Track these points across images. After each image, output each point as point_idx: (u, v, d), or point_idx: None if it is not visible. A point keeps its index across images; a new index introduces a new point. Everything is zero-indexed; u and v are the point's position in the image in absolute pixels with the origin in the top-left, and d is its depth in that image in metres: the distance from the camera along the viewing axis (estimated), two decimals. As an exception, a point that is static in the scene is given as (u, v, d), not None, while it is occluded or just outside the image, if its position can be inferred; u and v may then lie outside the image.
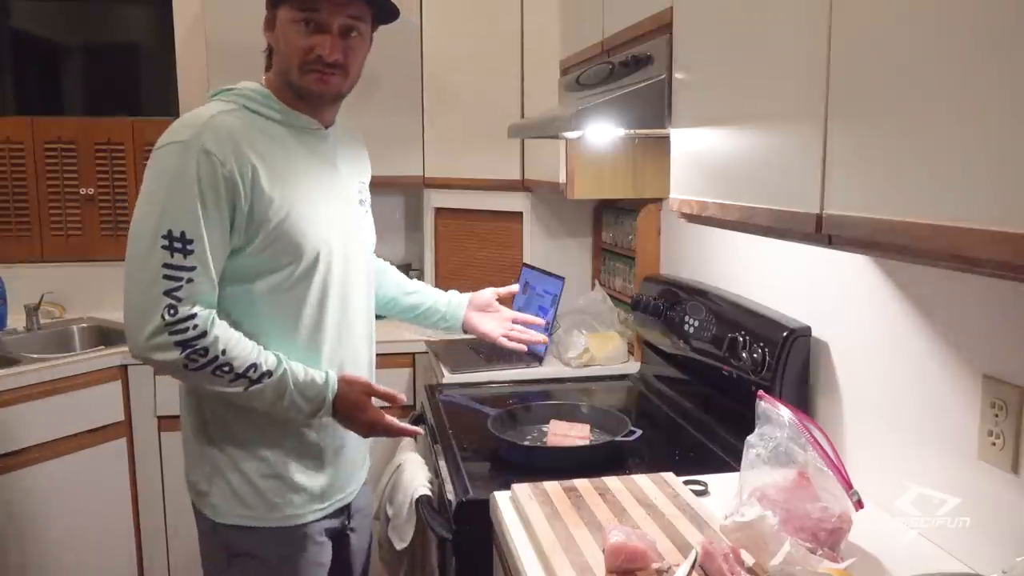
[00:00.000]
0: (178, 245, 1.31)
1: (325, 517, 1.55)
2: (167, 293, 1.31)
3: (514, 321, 1.92)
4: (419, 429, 1.59)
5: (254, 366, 1.37)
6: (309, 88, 1.45)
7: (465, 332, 1.92)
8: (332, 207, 1.51)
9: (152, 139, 3.38)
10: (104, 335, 2.98)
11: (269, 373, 1.38)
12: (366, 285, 1.62)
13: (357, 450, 1.63)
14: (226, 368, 1.35)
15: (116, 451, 2.67)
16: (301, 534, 1.52)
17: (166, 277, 1.31)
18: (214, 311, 1.37)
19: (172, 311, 1.31)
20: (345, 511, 1.62)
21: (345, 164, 1.58)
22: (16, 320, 2.96)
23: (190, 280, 1.32)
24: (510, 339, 1.89)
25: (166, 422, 2.68)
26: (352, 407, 1.47)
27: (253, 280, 1.42)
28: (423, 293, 1.91)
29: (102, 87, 3.55)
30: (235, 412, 1.46)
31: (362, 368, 1.60)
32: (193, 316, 1.32)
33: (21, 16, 3.41)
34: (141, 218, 1.35)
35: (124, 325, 1.36)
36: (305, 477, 1.51)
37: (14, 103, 3.40)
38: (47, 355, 2.65)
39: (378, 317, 1.73)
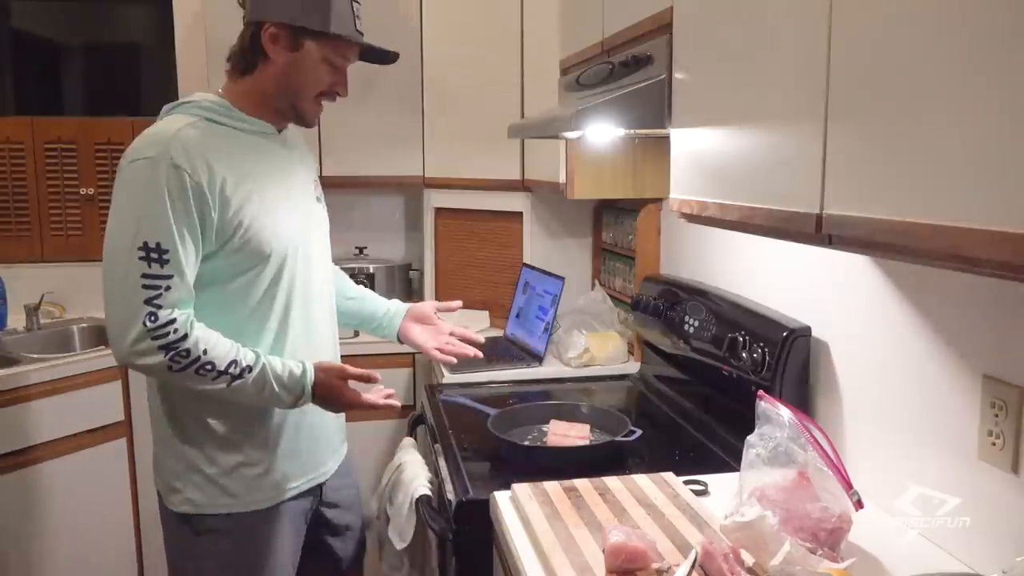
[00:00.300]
0: (154, 255, 1.36)
1: (298, 496, 1.60)
2: (147, 302, 1.36)
3: (451, 334, 1.86)
4: (396, 403, 1.61)
5: (234, 363, 1.42)
6: (311, 114, 1.56)
7: (400, 342, 1.89)
8: (294, 206, 1.57)
9: (152, 139, 3.34)
10: (104, 335, 2.97)
11: (249, 368, 1.44)
12: (326, 281, 1.69)
13: (331, 428, 1.68)
14: (208, 367, 1.40)
15: (116, 451, 2.67)
16: (274, 512, 1.57)
17: (145, 287, 1.36)
18: (192, 314, 1.42)
19: (153, 318, 1.36)
20: (317, 490, 1.67)
21: (301, 164, 1.65)
22: (16, 320, 2.96)
23: (168, 288, 1.38)
24: (443, 352, 1.83)
25: (166, 422, 2.68)
26: (329, 391, 1.52)
27: (225, 282, 1.47)
28: (363, 300, 1.90)
29: (102, 87, 3.55)
30: (207, 406, 1.50)
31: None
32: (173, 321, 1.38)
33: (21, 16, 3.41)
34: (115, 231, 1.40)
35: (109, 336, 1.42)
36: (278, 460, 1.56)
37: (14, 103, 3.40)
38: (47, 355, 2.65)
39: None
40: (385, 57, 1.61)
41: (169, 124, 1.44)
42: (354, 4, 1.53)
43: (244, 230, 1.45)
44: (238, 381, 1.43)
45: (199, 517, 1.53)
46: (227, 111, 1.50)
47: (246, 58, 1.52)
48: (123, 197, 1.40)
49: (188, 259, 1.40)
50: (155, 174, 1.37)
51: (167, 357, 1.38)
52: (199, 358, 1.39)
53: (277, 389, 1.46)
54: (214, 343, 1.41)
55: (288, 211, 1.54)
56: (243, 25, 1.53)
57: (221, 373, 1.41)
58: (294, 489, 1.59)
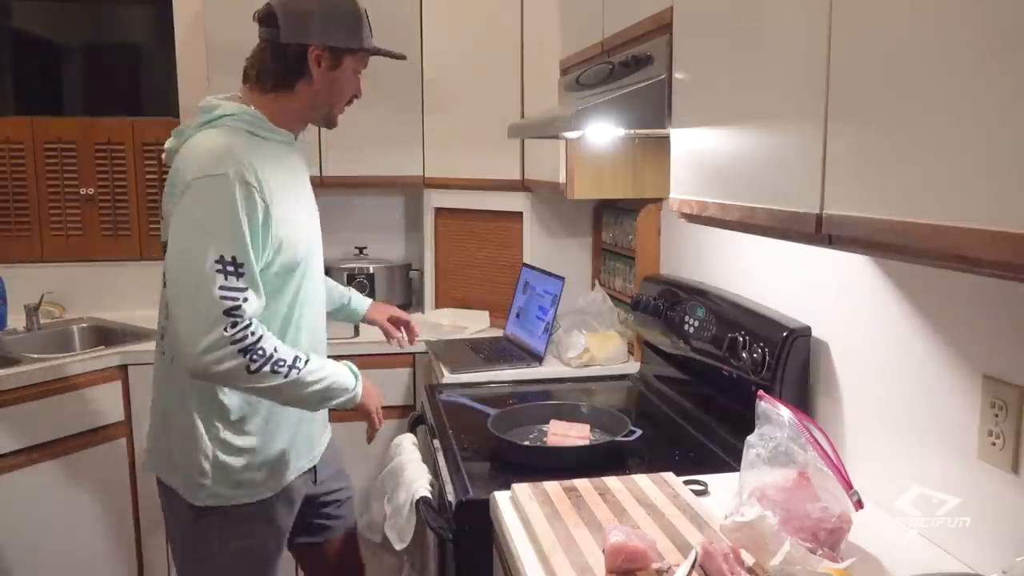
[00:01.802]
0: (231, 268, 1.43)
1: (299, 477, 1.72)
2: (227, 312, 1.42)
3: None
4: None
5: (297, 357, 1.51)
6: (336, 120, 1.68)
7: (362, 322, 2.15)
8: (307, 211, 1.68)
9: (152, 139, 3.37)
10: (104, 335, 2.98)
11: (308, 360, 1.52)
12: (322, 283, 1.81)
13: (320, 417, 1.79)
14: (281, 363, 1.48)
15: (116, 451, 2.67)
16: (282, 494, 1.68)
17: (224, 298, 1.42)
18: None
19: (233, 326, 1.42)
20: (312, 471, 1.79)
21: (306, 168, 1.76)
22: (16, 320, 2.95)
23: (246, 299, 1.44)
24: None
25: (166, 422, 2.68)
26: (368, 398, 1.66)
27: (267, 284, 1.54)
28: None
29: (102, 87, 3.55)
30: (232, 403, 1.58)
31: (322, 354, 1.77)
32: (249, 324, 1.44)
33: (21, 16, 3.41)
34: (190, 245, 1.45)
35: (179, 346, 1.46)
36: (289, 445, 1.67)
37: (14, 103, 3.39)
38: (47, 355, 2.64)
39: None
40: (393, 55, 1.71)
41: (223, 140, 1.51)
42: (367, 13, 1.64)
43: (280, 242, 1.53)
44: (300, 373, 1.50)
45: (222, 509, 1.61)
46: (260, 123, 1.57)
47: (286, 76, 1.58)
48: (197, 211, 1.45)
49: (258, 272, 1.48)
50: (229, 191, 1.44)
51: (247, 358, 1.43)
52: (272, 355, 1.46)
53: (329, 382, 1.55)
54: (278, 342, 1.50)
55: (303, 217, 1.64)
56: (260, 40, 1.60)
57: (291, 367, 1.48)
58: (298, 470, 1.70)
